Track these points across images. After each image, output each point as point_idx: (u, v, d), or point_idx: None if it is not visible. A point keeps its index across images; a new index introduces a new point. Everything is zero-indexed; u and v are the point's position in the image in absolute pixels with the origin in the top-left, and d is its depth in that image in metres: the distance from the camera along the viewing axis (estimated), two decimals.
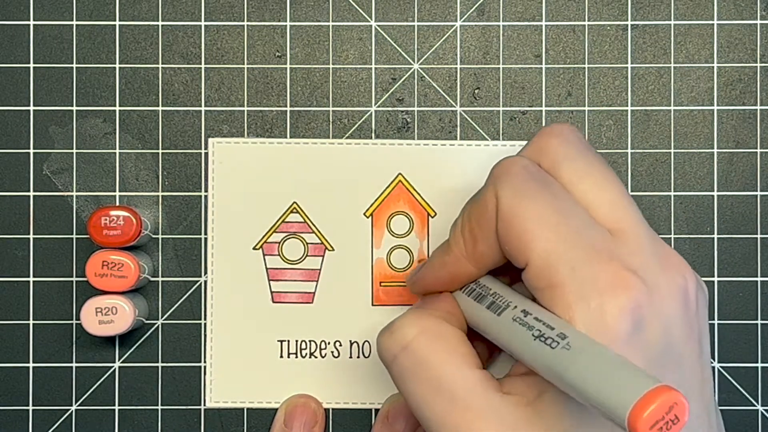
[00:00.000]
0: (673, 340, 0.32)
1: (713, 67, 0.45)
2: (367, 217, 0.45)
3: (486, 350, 0.39)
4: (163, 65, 0.45)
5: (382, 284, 0.45)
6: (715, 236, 0.45)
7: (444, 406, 0.33)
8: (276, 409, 0.45)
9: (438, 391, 0.33)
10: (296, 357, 0.45)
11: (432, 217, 0.45)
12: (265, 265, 0.45)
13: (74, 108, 0.45)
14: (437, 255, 0.37)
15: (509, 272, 0.37)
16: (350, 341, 0.45)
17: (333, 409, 0.45)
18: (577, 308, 0.31)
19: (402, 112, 0.45)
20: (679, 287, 0.33)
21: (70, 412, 0.45)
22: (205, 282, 0.45)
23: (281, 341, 0.45)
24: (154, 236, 0.45)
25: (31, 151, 0.45)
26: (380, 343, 0.35)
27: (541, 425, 0.31)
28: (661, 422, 0.27)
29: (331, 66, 0.45)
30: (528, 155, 0.35)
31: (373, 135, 0.45)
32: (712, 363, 0.45)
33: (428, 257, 0.39)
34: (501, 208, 0.33)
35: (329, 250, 0.45)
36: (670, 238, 0.45)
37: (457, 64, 0.45)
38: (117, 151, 0.45)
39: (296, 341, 0.45)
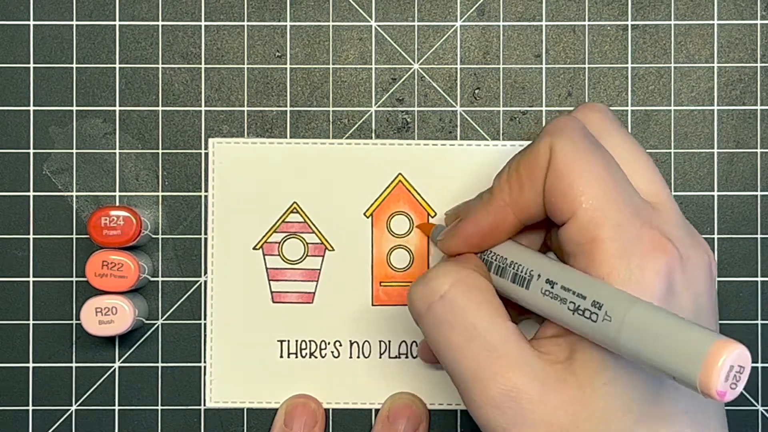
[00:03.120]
0: (701, 311, 0.33)
1: (713, 67, 0.45)
2: (367, 217, 0.45)
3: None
4: (163, 65, 0.45)
5: (382, 284, 0.45)
6: (715, 236, 0.45)
7: (479, 354, 0.33)
8: (276, 409, 0.45)
9: (473, 340, 0.33)
10: (296, 357, 0.45)
11: (432, 217, 0.45)
12: (265, 265, 0.45)
13: (74, 108, 0.45)
14: (477, 207, 0.37)
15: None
16: (350, 341, 0.45)
17: (333, 409, 0.45)
18: (617, 264, 0.32)
19: (402, 112, 0.45)
20: (705, 264, 0.34)
21: (70, 412, 0.45)
22: (205, 282, 0.45)
23: (281, 341, 0.45)
24: (154, 236, 0.45)
25: (31, 151, 0.45)
26: (415, 293, 0.36)
27: (573, 383, 0.32)
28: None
29: (331, 66, 0.45)
30: None
31: (373, 135, 0.45)
32: None
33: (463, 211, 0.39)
34: (555, 159, 0.33)
35: (329, 250, 0.45)
36: None
37: (457, 64, 0.45)
38: (117, 151, 0.45)
39: (296, 341, 0.45)
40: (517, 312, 0.37)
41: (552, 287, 0.33)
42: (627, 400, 0.32)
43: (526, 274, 0.35)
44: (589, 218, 0.33)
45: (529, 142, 0.36)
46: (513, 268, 0.36)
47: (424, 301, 0.35)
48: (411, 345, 0.45)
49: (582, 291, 0.32)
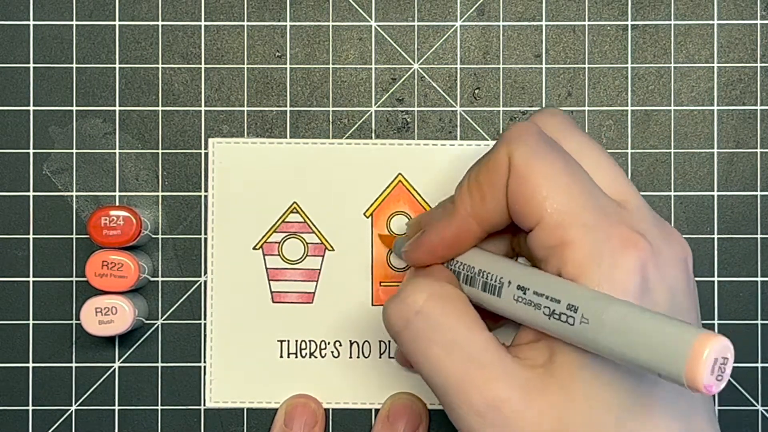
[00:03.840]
0: (678, 307, 0.33)
1: (713, 67, 0.45)
2: (367, 217, 0.45)
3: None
4: (163, 65, 0.45)
5: (382, 284, 0.45)
6: (715, 236, 0.45)
7: (460, 365, 0.33)
8: (276, 409, 0.45)
9: (453, 352, 0.33)
10: (296, 357, 0.45)
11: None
12: (265, 265, 0.45)
13: (74, 108, 0.45)
14: (440, 218, 0.37)
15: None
16: (350, 341, 0.45)
17: (333, 409, 0.45)
18: (589, 264, 0.31)
19: (402, 112, 0.45)
20: (680, 257, 0.34)
21: (70, 412, 0.45)
22: (205, 282, 0.45)
23: (281, 341, 0.45)
24: (154, 236, 0.45)
25: (31, 151, 0.45)
26: (391, 311, 0.35)
27: (554, 386, 0.32)
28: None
29: (331, 66, 0.45)
30: None
31: (373, 135, 0.45)
32: None
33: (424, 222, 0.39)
34: (515, 167, 0.33)
35: (329, 250, 0.45)
36: None
37: (457, 64, 0.45)
38: (117, 151, 0.45)
39: (296, 341, 0.45)
40: (491, 320, 0.37)
41: (524, 293, 0.33)
42: (608, 398, 0.31)
43: (496, 281, 0.35)
44: (556, 222, 0.32)
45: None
46: (482, 277, 0.35)
47: (401, 318, 0.35)
48: None
49: (555, 295, 0.32)
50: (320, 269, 0.45)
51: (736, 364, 0.45)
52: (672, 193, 0.45)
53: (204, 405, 0.45)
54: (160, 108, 0.45)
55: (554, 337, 0.32)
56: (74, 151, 0.45)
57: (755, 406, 0.45)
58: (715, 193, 0.45)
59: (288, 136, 0.45)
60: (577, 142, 0.35)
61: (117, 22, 0.45)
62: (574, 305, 0.31)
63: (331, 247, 0.45)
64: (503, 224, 0.35)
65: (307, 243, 0.45)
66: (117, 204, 0.45)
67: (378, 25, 0.45)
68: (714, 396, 0.44)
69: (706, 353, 0.27)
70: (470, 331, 0.34)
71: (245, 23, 0.45)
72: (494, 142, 0.45)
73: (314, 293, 0.45)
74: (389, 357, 0.45)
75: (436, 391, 0.34)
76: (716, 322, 0.45)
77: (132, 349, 0.45)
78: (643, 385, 0.32)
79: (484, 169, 0.35)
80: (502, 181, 0.34)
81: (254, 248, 0.45)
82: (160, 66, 0.45)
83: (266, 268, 0.45)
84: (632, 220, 0.33)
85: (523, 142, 0.34)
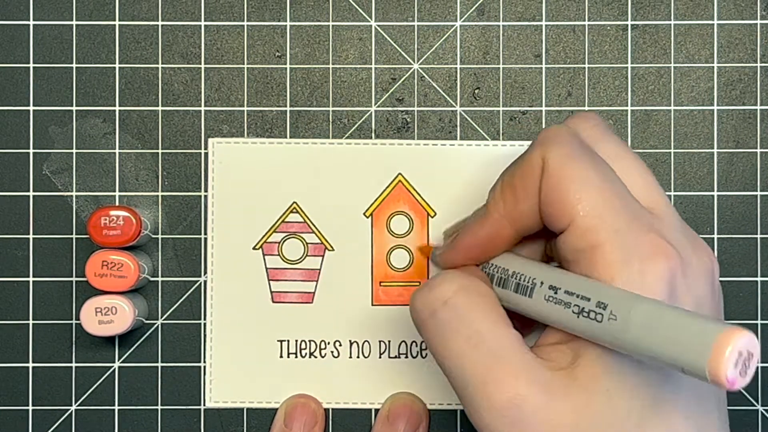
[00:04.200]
0: None
1: (713, 67, 0.45)
2: (367, 217, 0.45)
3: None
4: (163, 65, 0.45)
5: (382, 284, 0.45)
6: (715, 236, 0.45)
7: (484, 360, 0.33)
8: (276, 409, 0.45)
9: (478, 346, 0.33)
10: (296, 357, 0.45)
11: (432, 217, 0.45)
12: (265, 265, 0.45)
13: (74, 108, 0.45)
14: (474, 221, 0.37)
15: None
16: (350, 341, 0.45)
17: (333, 409, 0.45)
18: (618, 269, 0.32)
19: (402, 112, 0.45)
20: (707, 268, 0.34)
21: (70, 412, 0.45)
22: (205, 282, 0.45)
23: (281, 341, 0.45)
24: (154, 236, 0.45)
25: (31, 151, 0.45)
26: (418, 300, 0.36)
27: (576, 389, 0.32)
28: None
29: (331, 66, 0.45)
30: None
31: (373, 135, 0.45)
32: None
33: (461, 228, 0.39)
34: (548, 169, 0.33)
35: (329, 250, 0.45)
36: None
37: (457, 64, 0.45)
38: (117, 151, 0.45)
39: (296, 341, 0.45)
40: (521, 327, 0.37)
41: (555, 293, 0.33)
42: (629, 405, 0.32)
43: (528, 282, 0.35)
44: (588, 225, 0.32)
45: (529, 142, 0.36)
46: (515, 278, 0.36)
47: (428, 308, 0.35)
48: (411, 345, 0.45)
49: (585, 293, 0.32)
50: (320, 269, 0.45)
51: None
52: (672, 193, 0.45)
53: (204, 405, 0.45)
54: (160, 108, 0.45)
55: (581, 336, 0.32)
56: (74, 151, 0.45)
57: (755, 406, 0.45)
58: (715, 193, 0.45)
59: (288, 136, 0.45)
60: (611, 147, 0.36)
61: (117, 22, 0.45)
62: (604, 302, 0.31)
63: (331, 247, 0.45)
64: (536, 227, 0.35)
65: (307, 243, 0.45)
66: (117, 204, 0.45)
67: (378, 25, 0.45)
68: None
69: (729, 347, 0.27)
70: (496, 326, 0.34)
71: (245, 23, 0.45)
72: (494, 141, 0.45)
73: (314, 293, 0.45)
74: (389, 357, 0.45)
75: (455, 385, 0.34)
76: None
77: (132, 349, 0.45)
78: (663, 390, 0.32)
79: (518, 171, 0.35)
80: (535, 183, 0.34)
81: (254, 248, 0.45)
82: (160, 66, 0.45)
83: (266, 268, 0.45)
84: (663, 228, 0.33)
85: (557, 144, 0.34)
